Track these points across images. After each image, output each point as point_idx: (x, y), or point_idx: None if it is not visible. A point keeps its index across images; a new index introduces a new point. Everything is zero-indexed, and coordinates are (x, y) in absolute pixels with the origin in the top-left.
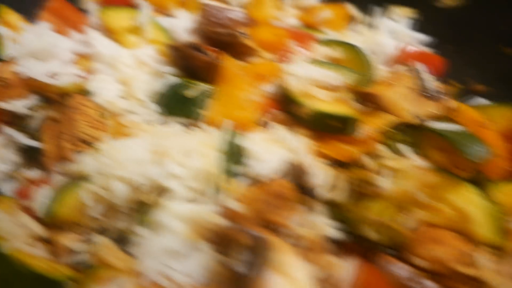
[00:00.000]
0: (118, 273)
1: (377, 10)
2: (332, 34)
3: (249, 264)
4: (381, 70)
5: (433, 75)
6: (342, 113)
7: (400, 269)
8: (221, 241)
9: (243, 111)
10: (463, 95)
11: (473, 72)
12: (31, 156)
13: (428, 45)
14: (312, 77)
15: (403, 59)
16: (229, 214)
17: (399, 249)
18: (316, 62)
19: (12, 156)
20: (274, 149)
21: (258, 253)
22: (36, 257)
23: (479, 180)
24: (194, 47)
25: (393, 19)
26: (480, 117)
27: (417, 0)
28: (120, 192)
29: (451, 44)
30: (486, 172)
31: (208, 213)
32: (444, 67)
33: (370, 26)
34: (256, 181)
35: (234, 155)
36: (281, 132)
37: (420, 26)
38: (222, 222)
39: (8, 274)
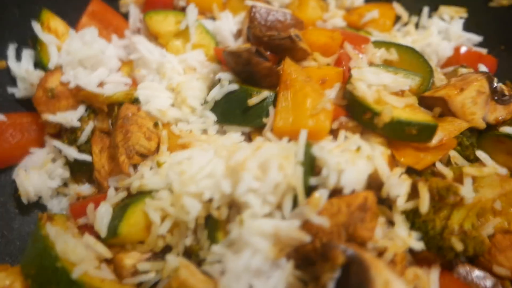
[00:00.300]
0: None
1: (425, 9)
2: (379, 36)
3: (342, 282)
4: (439, 73)
5: None
6: (423, 120)
7: (482, 279)
8: (305, 258)
9: (314, 119)
10: None
11: None
12: (80, 171)
13: (479, 45)
14: (382, 83)
15: (456, 60)
16: (311, 228)
17: (476, 258)
18: (382, 66)
19: (60, 171)
20: (353, 159)
21: (355, 272)
22: (105, 280)
23: None
24: (256, 52)
25: (443, 18)
26: None
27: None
28: (192, 208)
29: (503, 44)
30: None
31: (291, 229)
32: (496, 68)
33: (418, 26)
34: (337, 193)
35: (312, 166)
36: (356, 140)
37: (470, 26)
38: (306, 237)
39: None
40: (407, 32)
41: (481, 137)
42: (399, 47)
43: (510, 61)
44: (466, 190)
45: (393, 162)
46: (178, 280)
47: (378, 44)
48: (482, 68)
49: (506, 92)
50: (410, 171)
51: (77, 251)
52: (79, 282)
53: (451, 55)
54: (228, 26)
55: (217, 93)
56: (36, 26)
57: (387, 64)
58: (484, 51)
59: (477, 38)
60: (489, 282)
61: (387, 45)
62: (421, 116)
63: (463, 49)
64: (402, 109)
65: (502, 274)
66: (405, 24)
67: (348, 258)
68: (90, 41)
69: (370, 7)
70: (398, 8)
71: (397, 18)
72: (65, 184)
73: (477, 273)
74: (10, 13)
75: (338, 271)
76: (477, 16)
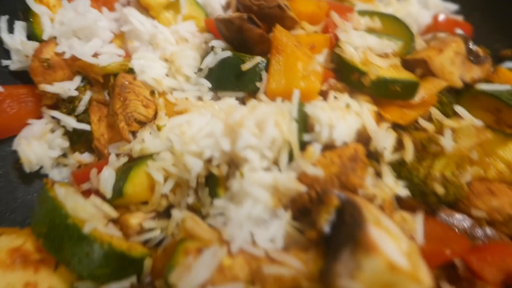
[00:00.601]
0: (206, 243)
1: None
2: (362, 6)
3: (338, 224)
4: (419, 38)
5: None
6: (406, 78)
7: (462, 220)
8: (301, 208)
9: (306, 81)
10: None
11: (500, 38)
12: (79, 141)
13: (456, 13)
14: (368, 45)
15: (435, 27)
16: (307, 179)
17: (457, 202)
18: (369, 31)
19: (60, 141)
20: (343, 115)
21: (349, 213)
22: (113, 236)
23: None
24: (248, 18)
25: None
26: None
27: None
28: (194, 166)
29: (478, 12)
30: None
31: (289, 180)
32: (472, 34)
33: None
34: (329, 147)
35: (305, 123)
36: (345, 99)
37: None
38: (302, 188)
39: (91, 255)
40: (388, 3)
41: (459, 95)
42: (381, 15)
43: (484, 27)
44: (446, 140)
45: (379, 118)
46: (185, 229)
47: (362, 12)
48: (459, 32)
49: (481, 53)
50: (395, 126)
51: (87, 209)
52: (90, 237)
53: (430, 22)
54: None
55: (210, 60)
56: None
57: (370, 31)
58: (460, 18)
59: (454, 7)
60: (467, 222)
61: (371, 13)
62: (405, 74)
63: (441, 17)
64: (387, 69)
65: (479, 215)
66: None
67: (342, 201)
68: (83, 12)
69: None
70: None
71: None
72: (64, 155)
73: (457, 216)
74: None
75: (333, 214)
76: None
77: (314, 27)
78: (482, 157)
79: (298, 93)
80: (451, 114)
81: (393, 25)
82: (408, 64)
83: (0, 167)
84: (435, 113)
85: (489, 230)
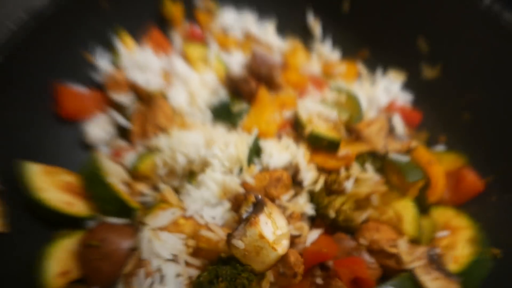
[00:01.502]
0: (172, 206)
1: (378, 70)
2: (342, 83)
3: (251, 213)
4: (370, 114)
5: (409, 124)
6: (330, 137)
7: (348, 242)
8: (237, 201)
9: (267, 125)
10: (431, 142)
11: (441, 125)
12: (123, 132)
13: (412, 102)
14: (316, 111)
15: (391, 109)
16: (245, 185)
17: (351, 231)
18: (323, 101)
19: (111, 130)
20: (282, 152)
21: (257, 206)
22: (122, 191)
23: (423, 201)
24: (243, 79)
25: (390, 79)
26: (430, 157)
27: (408, 69)
28: (181, 161)
29: (428, 103)
30: (429, 196)
31: (234, 183)
32: (420, 119)
33: (373, 81)
34: (266, 169)
35: (256, 151)
36: (289, 142)
37: (407, 87)
38: (240, 189)
39: (107, 196)
40: (363, 85)
41: (382, 159)
42: (345, 92)
43: (433, 116)
44: (348, 184)
45: (310, 159)
46: (162, 195)
47: (333, 88)
48: (396, 117)
49: (403, 133)
50: (320, 168)
51: (113, 170)
52: (109, 184)
53: (387, 105)
54: (238, 60)
55: (216, 101)
56: (115, 38)
57: (337, 103)
58: (412, 106)
59: (410, 97)
60: (352, 244)
61: (339, 90)
62: (333, 134)
63: (396, 103)
64: (323, 128)
65: (362, 243)
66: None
67: (257, 199)
68: (147, 55)
69: (340, 63)
70: (361, 67)
71: (361, 74)
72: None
73: (347, 239)
74: (101, 27)
75: (251, 206)
76: (416, 82)
77: (294, 92)
78: (380, 204)
79: (257, 131)
80: (364, 168)
81: (352, 101)
82: (350, 130)
83: (67, 139)
84: (353, 165)
85: (366, 255)
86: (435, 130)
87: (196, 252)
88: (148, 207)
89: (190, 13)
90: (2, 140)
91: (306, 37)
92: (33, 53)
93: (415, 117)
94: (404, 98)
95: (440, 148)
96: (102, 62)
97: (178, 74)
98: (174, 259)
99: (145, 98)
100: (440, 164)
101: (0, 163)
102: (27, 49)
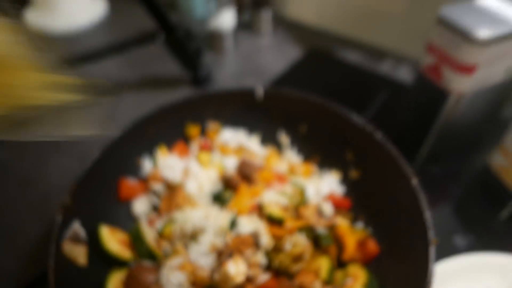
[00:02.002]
0: (181, 255)
1: (325, 170)
2: (300, 179)
3: (224, 259)
4: (314, 200)
5: (341, 208)
6: (279, 216)
7: (286, 282)
8: (219, 253)
9: (243, 207)
10: (354, 220)
11: (362, 211)
12: (156, 208)
13: (344, 192)
14: (274, 199)
15: (328, 197)
16: (226, 244)
17: (290, 276)
18: (282, 192)
19: (149, 206)
20: (250, 224)
21: (229, 255)
22: (153, 245)
23: (340, 259)
24: (231, 178)
25: (331, 176)
26: (346, 230)
27: (342, 170)
28: (189, 228)
29: (355, 195)
30: (344, 256)
31: (219, 242)
32: (349, 205)
33: (320, 177)
34: (239, 234)
35: (234, 223)
36: (255, 218)
37: (342, 182)
38: (222, 246)
39: (144, 248)
40: (313, 180)
41: (312, 231)
42: (296, 186)
43: (356, 203)
44: (286, 245)
45: (267, 230)
46: (176, 249)
47: (292, 183)
48: (325, 203)
49: (330, 213)
50: (272, 236)
51: (148, 232)
52: (146, 242)
53: (328, 195)
54: (231, 162)
55: (214, 190)
56: (156, 149)
57: (292, 192)
58: (345, 196)
59: (344, 189)
60: (288, 283)
61: (295, 184)
62: (281, 214)
63: (334, 193)
64: (277, 211)
65: (295, 283)
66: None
67: (230, 252)
68: (174, 159)
69: (301, 164)
70: (314, 167)
71: (314, 172)
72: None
73: (286, 280)
74: (148, 144)
75: (226, 256)
76: (345, 179)
77: (264, 184)
78: (309, 259)
79: (236, 211)
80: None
81: (300, 191)
82: (296, 211)
83: (123, 212)
84: (294, 234)
85: None
86: (358, 212)
87: (193, 282)
88: (167, 255)
89: (203, 132)
90: (89, 212)
91: (279, 146)
92: (110, 160)
93: (345, 203)
94: (339, 190)
95: (360, 224)
96: (147, 164)
97: (192, 171)
98: (180, 286)
99: (170, 187)
100: (353, 235)
101: (87, 224)
102: (109, 157)
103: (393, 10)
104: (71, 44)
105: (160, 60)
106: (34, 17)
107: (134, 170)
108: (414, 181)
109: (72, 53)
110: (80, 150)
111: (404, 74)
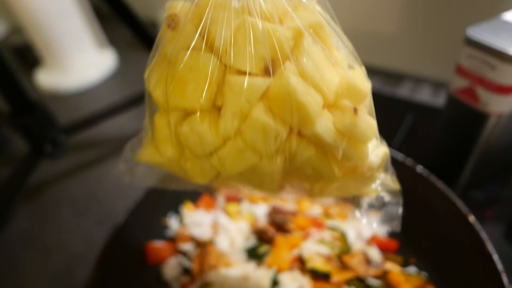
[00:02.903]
0: None
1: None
2: (337, 222)
3: None
4: (357, 244)
5: (388, 250)
6: (324, 270)
7: None
8: None
9: (282, 262)
10: (405, 264)
11: (413, 253)
12: (187, 270)
13: (389, 233)
14: (313, 250)
15: (373, 240)
16: None
17: None
18: (321, 241)
19: (180, 269)
20: (293, 282)
21: None
22: None
23: None
24: (264, 229)
25: (370, 216)
26: (401, 277)
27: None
28: None
29: (403, 234)
30: None
31: None
32: (396, 246)
33: (358, 219)
34: None
35: (275, 282)
36: (297, 274)
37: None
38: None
39: None
40: (351, 221)
41: (363, 283)
42: (336, 229)
43: (405, 245)
44: None
45: (312, 286)
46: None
47: (329, 227)
48: (372, 249)
49: (379, 260)
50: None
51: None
52: None
53: (370, 237)
54: (262, 210)
55: (248, 244)
56: (181, 206)
57: (333, 238)
58: (389, 237)
59: (388, 230)
60: None
61: (333, 228)
62: (326, 268)
63: (377, 235)
64: (320, 263)
65: None
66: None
67: None
68: (201, 214)
69: (334, 205)
70: (350, 210)
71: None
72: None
73: None
74: (174, 200)
75: None
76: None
77: (301, 232)
78: None
79: (275, 268)
80: None
81: (342, 237)
82: (340, 261)
83: (152, 277)
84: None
85: None
86: (407, 254)
87: None
88: None
89: None
90: (118, 283)
91: None
92: (135, 223)
93: (392, 245)
94: (382, 230)
95: (412, 269)
96: (173, 223)
97: (222, 225)
98: None
99: (201, 245)
100: (409, 282)
101: None
102: (133, 221)
103: (389, 30)
104: (85, 100)
105: None
106: (45, 78)
107: (160, 231)
108: (472, 218)
109: (87, 109)
110: (100, 214)
111: (426, 95)
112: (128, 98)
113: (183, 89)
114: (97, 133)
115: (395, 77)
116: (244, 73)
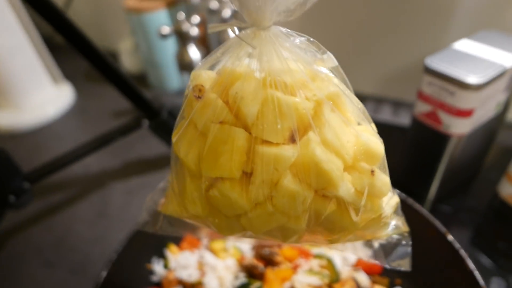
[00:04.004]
0: None
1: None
2: (322, 249)
3: None
4: (344, 270)
5: (373, 273)
6: None
7: None
8: None
9: None
10: (391, 286)
11: (396, 273)
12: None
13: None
14: (305, 282)
15: (358, 264)
16: None
17: None
18: (310, 271)
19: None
20: None
21: None
22: None
23: None
24: (254, 264)
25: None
26: None
27: None
28: None
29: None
30: None
31: None
32: (381, 268)
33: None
34: None
35: None
36: None
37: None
38: None
39: None
40: (338, 252)
41: None
42: (324, 257)
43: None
44: None
45: None
46: None
47: (316, 255)
48: (359, 274)
49: (368, 283)
50: None
51: None
52: None
53: (356, 262)
54: (247, 246)
55: (238, 282)
56: (165, 250)
57: (320, 267)
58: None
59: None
60: None
61: (320, 256)
62: None
63: (362, 260)
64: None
65: None
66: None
67: None
68: (186, 255)
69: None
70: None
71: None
72: None
73: None
74: (158, 244)
75: None
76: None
77: (289, 264)
78: None
79: None
80: None
81: (329, 264)
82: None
83: None
84: None
85: None
86: (392, 275)
87: None
88: None
89: None
90: None
91: None
92: (117, 273)
93: (376, 266)
94: (365, 253)
95: None
96: (158, 268)
97: (208, 264)
98: None
99: (189, 287)
100: None
101: None
102: (115, 270)
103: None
104: (44, 138)
105: (142, 142)
106: (1, 118)
107: (146, 277)
108: (450, 237)
109: (47, 147)
110: (73, 262)
111: (387, 115)
112: (92, 135)
113: (216, 160)
114: (62, 175)
115: (359, 98)
116: (272, 143)
